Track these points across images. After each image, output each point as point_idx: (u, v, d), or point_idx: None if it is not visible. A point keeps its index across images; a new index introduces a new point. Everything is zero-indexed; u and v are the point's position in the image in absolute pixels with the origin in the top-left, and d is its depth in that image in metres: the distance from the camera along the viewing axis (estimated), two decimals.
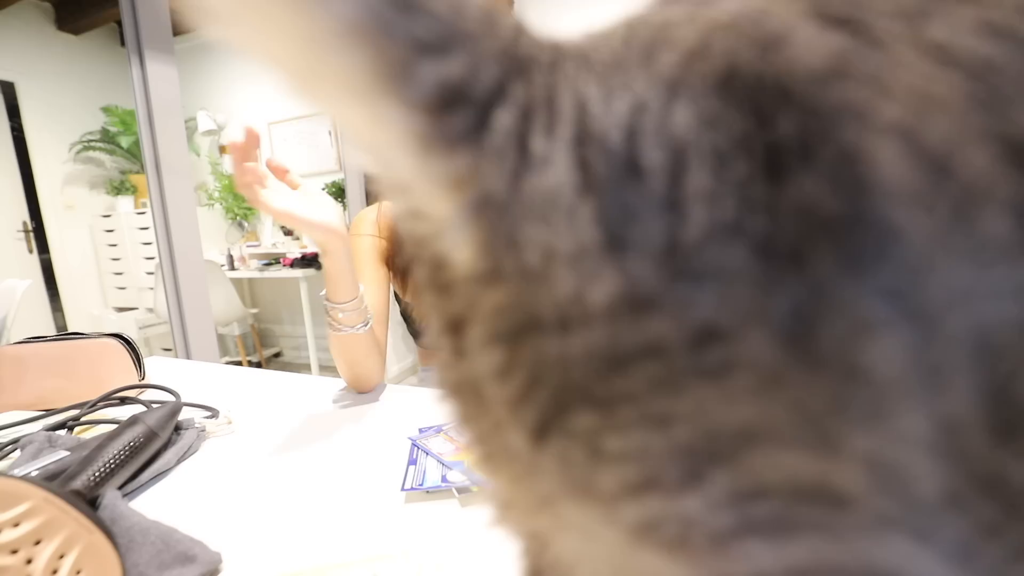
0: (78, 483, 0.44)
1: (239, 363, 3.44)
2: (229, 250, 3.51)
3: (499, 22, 0.13)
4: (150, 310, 3.28)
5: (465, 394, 0.16)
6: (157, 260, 1.77)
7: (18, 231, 3.16)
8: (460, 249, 0.13)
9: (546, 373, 0.12)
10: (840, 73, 0.11)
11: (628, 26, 0.14)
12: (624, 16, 0.16)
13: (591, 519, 0.13)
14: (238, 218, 3.70)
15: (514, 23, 0.13)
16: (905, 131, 0.10)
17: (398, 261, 0.88)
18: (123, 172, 3.65)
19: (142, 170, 2.35)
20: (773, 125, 0.11)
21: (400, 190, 0.14)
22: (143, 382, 0.79)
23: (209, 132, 3.61)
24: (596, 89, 0.12)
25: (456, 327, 0.14)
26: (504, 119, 0.12)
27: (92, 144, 3.46)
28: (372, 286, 0.84)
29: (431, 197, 0.13)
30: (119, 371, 0.78)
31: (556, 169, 0.11)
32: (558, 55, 0.13)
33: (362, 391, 0.78)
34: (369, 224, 0.88)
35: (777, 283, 0.10)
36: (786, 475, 0.11)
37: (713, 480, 0.11)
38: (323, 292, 0.72)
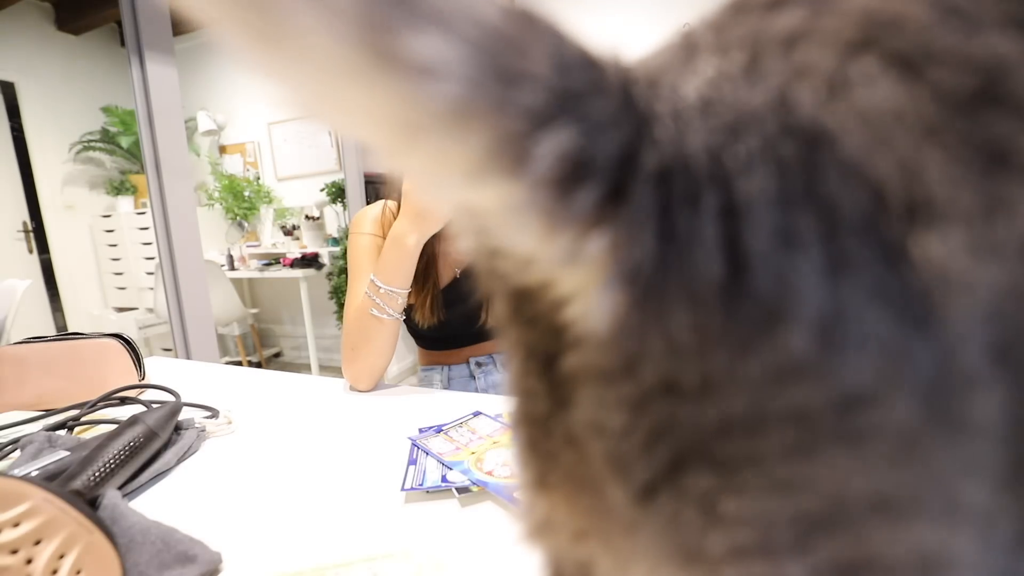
0: (78, 483, 0.44)
1: (239, 363, 3.44)
2: (229, 250, 3.50)
3: (606, 72, 0.11)
4: (150, 310, 3.28)
5: (553, 437, 0.15)
6: (157, 260, 1.77)
7: (18, 231, 3.16)
8: (593, 318, 0.12)
9: (669, 435, 0.12)
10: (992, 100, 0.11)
11: (745, 50, 0.13)
12: (720, 24, 0.14)
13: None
14: (238, 218, 3.69)
15: (619, 67, 0.12)
16: None
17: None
18: (123, 172, 3.65)
19: (142, 170, 2.35)
20: (921, 179, 0.10)
21: (493, 251, 0.13)
22: (143, 382, 0.79)
23: (209, 132, 3.61)
24: (731, 147, 0.11)
25: (549, 361, 0.14)
26: (640, 190, 0.11)
27: (92, 144, 3.46)
28: None
29: (555, 268, 0.12)
30: (119, 371, 0.78)
31: (706, 248, 0.11)
32: (677, 103, 0.12)
33: (366, 388, 0.78)
34: (370, 222, 0.89)
35: (916, 347, 0.10)
36: (908, 547, 0.11)
37: (821, 548, 0.11)
38: (369, 276, 0.76)
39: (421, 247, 0.75)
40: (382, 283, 0.75)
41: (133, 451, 0.50)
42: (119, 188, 3.56)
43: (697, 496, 0.12)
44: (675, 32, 0.16)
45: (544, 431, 0.15)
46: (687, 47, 0.14)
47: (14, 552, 0.34)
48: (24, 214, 3.19)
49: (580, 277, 0.12)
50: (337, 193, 3.02)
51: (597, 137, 0.11)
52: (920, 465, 0.10)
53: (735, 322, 0.10)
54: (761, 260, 0.10)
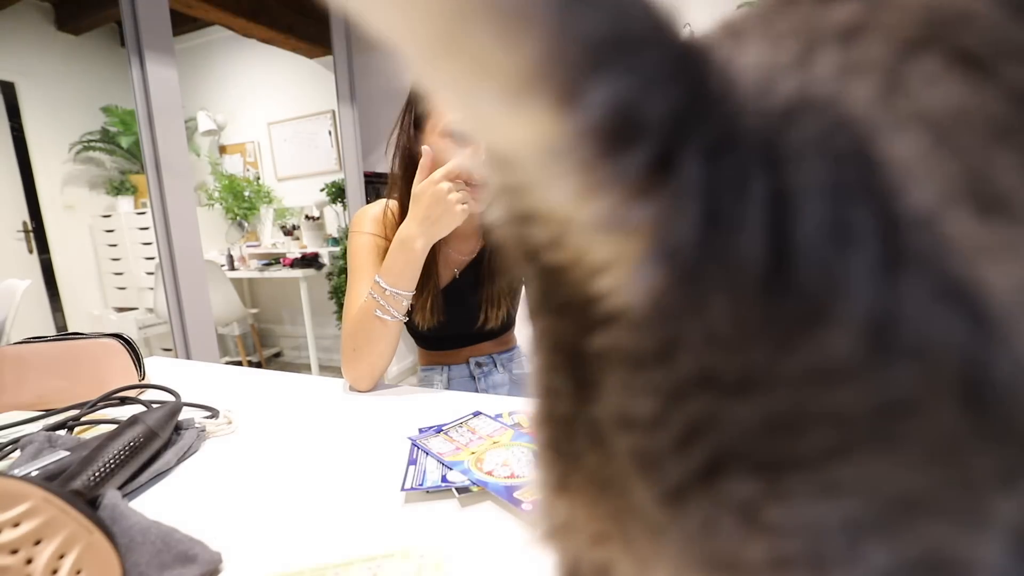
0: (78, 483, 0.44)
1: (239, 363, 3.44)
2: (229, 250, 3.50)
3: (664, 26, 0.11)
4: (150, 310, 3.28)
5: (576, 437, 0.14)
6: (157, 260, 1.77)
7: (18, 231, 3.16)
8: (627, 293, 0.11)
9: (707, 433, 0.11)
10: None
11: (798, 40, 0.12)
12: (768, 17, 0.14)
13: None
14: (238, 218, 3.70)
15: (678, 34, 0.11)
16: None
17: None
18: (123, 172, 3.65)
19: (142, 170, 2.35)
20: (992, 181, 0.10)
21: (527, 213, 0.12)
22: (143, 382, 0.79)
23: (209, 132, 3.61)
24: (785, 134, 0.10)
25: (577, 356, 0.13)
26: (689, 162, 0.10)
27: (92, 144, 3.46)
28: (371, 283, 0.85)
29: (591, 235, 0.11)
30: (119, 371, 0.78)
31: (750, 235, 0.10)
32: (729, 80, 0.11)
33: (365, 389, 0.78)
34: (370, 221, 0.88)
35: (991, 354, 0.09)
36: (927, 546, 0.10)
37: (872, 557, 0.10)
38: (378, 278, 0.75)
39: (428, 250, 0.75)
40: (388, 285, 0.75)
41: (133, 451, 0.50)
42: (119, 188, 3.57)
43: (737, 502, 0.11)
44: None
45: (567, 432, 0.15)
46: (733, 35, 0.14)
47: (14, 552, 0.34)
48: (24, 214, 3.19)
49: (616, 247, 0.11)
50: (337, 193, 3.02)
51: (651, 94, 0.10)
52: (953, 469, 0.10)
53: (776, 317, 0.10)
54: (808, 253, 0.10)
